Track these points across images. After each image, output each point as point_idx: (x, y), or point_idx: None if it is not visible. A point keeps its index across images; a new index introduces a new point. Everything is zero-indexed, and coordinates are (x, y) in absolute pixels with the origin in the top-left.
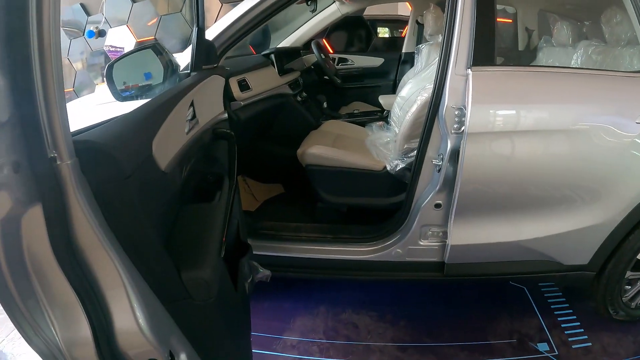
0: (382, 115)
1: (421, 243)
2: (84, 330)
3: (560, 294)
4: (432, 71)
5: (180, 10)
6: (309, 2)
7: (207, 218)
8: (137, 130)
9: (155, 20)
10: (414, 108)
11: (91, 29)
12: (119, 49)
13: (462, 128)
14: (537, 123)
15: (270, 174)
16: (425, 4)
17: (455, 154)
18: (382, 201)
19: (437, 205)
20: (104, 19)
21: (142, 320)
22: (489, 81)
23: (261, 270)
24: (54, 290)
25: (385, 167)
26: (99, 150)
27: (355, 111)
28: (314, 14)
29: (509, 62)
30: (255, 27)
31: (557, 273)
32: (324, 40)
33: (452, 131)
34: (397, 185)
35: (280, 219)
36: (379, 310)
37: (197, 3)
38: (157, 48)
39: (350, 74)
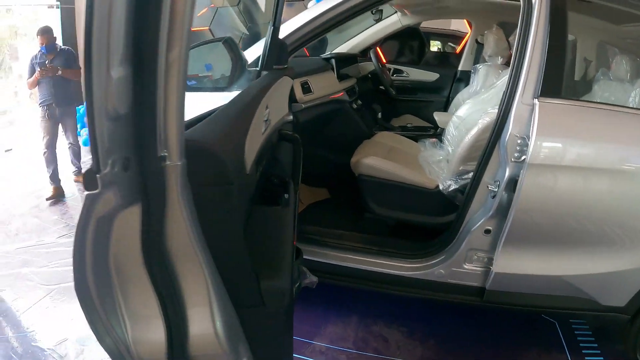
0: (436, 132)
1: (465, 266)
2: (158, 331)
3: (590, 332)
4: (493, 94)
5: (237, 4)
6: (374, 11)
7: (278, 222)
8: (234, 131)
9: (205, 10)
10: (474, 131)
11: None
12: None
13: (523, 157)
14: (600, 161)
15: (318, 178)
16: (486, 24)
17: (512, 182)
18: (430, 219)
19: (487, 231)
20: None
21: (219, 326)
22: (556, 113)
23: (309, 276)
24: (133, 290)
25: (437, 186)
26: (208, 153)
27: (409, 125)
28: (376, 22)
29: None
30: (327, 30)
31: (593, 312)
32: (377, 48)
33: (512, 159)
34: (447, 205)
35: (325, 225)
36: (410, 326)
37: (277, 3)
38: (228, 43)
39: (404, 86)
